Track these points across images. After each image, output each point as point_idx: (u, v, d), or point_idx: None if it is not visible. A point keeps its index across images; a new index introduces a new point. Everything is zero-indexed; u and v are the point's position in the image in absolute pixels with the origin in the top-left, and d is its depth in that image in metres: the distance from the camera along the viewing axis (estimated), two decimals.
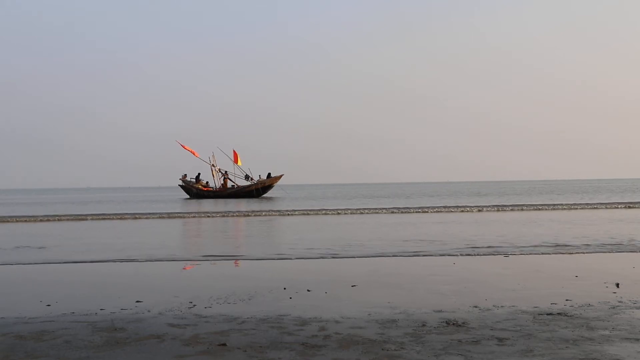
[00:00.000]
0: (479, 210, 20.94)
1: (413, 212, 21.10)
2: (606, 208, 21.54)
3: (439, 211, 21.19)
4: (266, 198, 42.36)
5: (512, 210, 21.07)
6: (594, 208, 21.52)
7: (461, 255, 8.47)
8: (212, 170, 47.04)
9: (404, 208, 22.99)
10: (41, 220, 19.24)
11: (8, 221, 19.07)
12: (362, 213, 21.15)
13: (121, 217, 20.18)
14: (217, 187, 46.58)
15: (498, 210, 20.82)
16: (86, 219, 19.49)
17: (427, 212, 20.94)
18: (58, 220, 19.36)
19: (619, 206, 22.19)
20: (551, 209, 21.06)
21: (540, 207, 21.76)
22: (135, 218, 19.91)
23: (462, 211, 20.83)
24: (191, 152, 45.79)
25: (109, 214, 21.32)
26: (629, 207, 21.68)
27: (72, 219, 19.49)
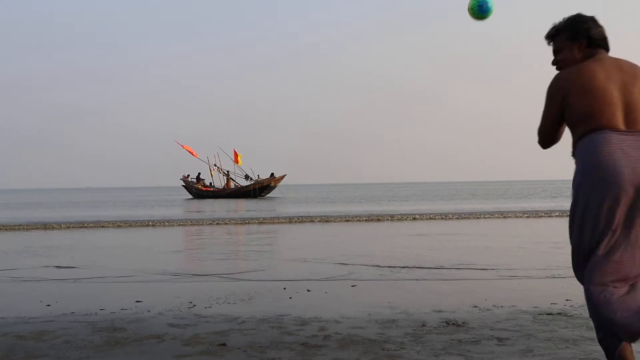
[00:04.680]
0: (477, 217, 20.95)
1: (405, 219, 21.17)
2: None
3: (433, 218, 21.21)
4: (265, 199, 42.36)
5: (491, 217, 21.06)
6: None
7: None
8: (210, 170, 47.01)
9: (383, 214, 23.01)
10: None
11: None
12: (339, 221, 21.25)
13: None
14: (221, 186, 46.65)
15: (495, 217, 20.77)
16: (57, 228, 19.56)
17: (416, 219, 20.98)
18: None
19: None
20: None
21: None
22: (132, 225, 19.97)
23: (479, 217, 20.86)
24: (190, 151, 45.80)
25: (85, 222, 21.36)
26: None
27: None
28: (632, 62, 2.86)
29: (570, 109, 2.77)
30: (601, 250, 2.65)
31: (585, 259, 2.71)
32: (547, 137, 2.90)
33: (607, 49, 2.90)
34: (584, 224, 2.68)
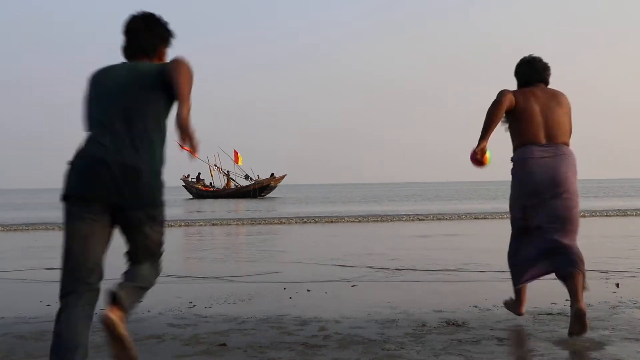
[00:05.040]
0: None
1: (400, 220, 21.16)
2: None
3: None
4: (265, 199, 42.34)
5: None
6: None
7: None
8: (210, 170, 46.97)
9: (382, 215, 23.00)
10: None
11: None
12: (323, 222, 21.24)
13: None
14: (221, 186, 46.66)
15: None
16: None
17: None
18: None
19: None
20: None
21: None
22: None
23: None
24: (190, 152, 45.75)
25: None
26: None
27: None
28: (556, 91, 3.97)
29: (511, 122, 3.94)
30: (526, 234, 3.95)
31: (521, 243, 3.97)
32: (493, 110, 3.83)
33: (542, 81, 4.02)
34: (516, 217, 4.00)
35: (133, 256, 2.97)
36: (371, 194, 55.16)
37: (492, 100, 3.84)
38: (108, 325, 2.57)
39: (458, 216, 18.82)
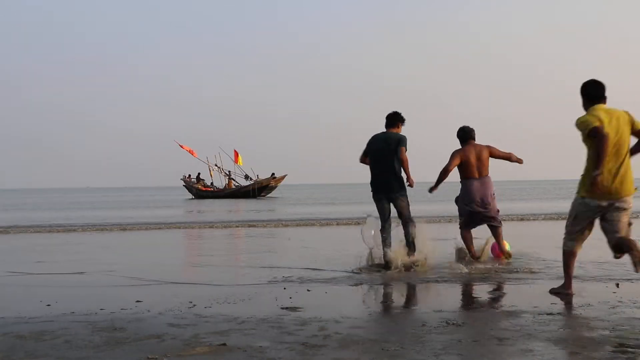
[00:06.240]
0: None
1: None
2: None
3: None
4: (265, 199, 42.29)
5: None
6: None
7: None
8: (209, 170, 46.94)
9: None
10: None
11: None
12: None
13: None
14: (222, 186, 46.57)
15: None
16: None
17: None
18: None
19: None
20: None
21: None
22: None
23: None
24: (189, 151, 45.71)
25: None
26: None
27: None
28: (482, 146, 7.33)
29: (460, 165, 7.28)
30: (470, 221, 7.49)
31: (467, 225, 7.49)
32: (446, 170, 7.32)
33: (472, 138, 7.42)
34: (465, 214, 7.42)
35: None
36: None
37: (446, 163, 7.33)
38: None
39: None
